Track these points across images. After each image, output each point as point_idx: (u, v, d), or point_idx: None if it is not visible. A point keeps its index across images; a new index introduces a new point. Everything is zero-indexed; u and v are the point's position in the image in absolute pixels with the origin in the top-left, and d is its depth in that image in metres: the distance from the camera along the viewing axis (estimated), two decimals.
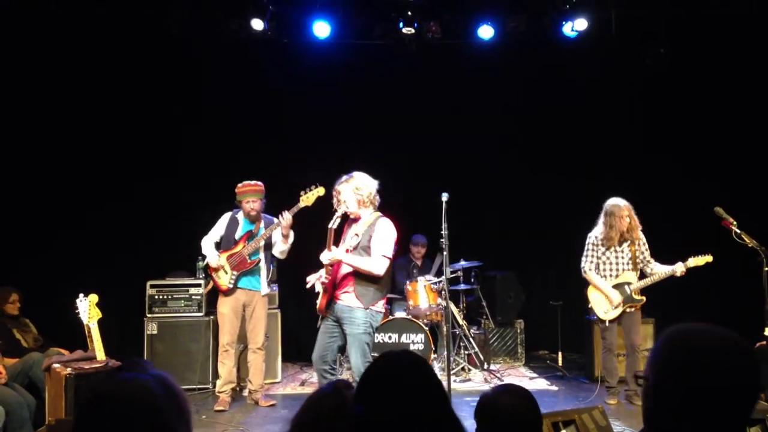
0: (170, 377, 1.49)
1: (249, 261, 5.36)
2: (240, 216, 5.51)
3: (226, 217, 5.54)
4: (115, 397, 1.40)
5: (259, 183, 5.44)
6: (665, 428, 1.32)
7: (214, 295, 5.74)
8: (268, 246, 5.45)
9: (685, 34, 6.64)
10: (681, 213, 6.58)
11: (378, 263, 4.18)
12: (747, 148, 6.72)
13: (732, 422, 1.27)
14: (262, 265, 5.45)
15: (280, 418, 5.14)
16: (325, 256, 4.20)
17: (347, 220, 4.45)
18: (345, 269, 4.26)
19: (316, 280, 4.36)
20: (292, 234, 5.32)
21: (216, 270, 5.39)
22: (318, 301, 4.33)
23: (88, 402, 1.44)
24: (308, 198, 5.07)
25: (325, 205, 4.49)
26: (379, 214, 4.36)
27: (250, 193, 5.37)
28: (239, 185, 5.42)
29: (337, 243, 4.36)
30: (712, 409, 1.25)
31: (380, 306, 4.31)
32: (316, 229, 4.97)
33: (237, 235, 5.45)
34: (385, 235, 4.24)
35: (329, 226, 4.26)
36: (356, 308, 4.19)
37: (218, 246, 5.51)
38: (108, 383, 1.45)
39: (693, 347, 1.30)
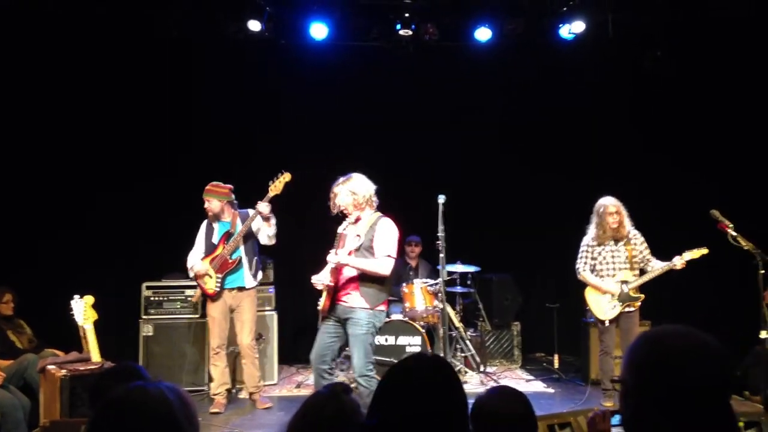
0: (179, 387, 1.51)
1: (230, 260, 5.38)
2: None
3: (203, 226, 5.57)
4: (133, 404, 1.41)
5: (224, 186, 5.43)
6: (648, 429, 1.37)
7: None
8: (247, 240, 5.46)
9: (682, 36, 6.64)
10: (680, 214, 6.56)
11: (383, 263, 4.20)
12: (746, 150, 6.71)
13: (710, 416, 1.33)
14: (244, 260, 5.45)
15: (275, 420, 5.12)
16: (331, 259, 4.19)
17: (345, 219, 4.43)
18: (349, 272, 4.23)
19: (321, 283, 4.29)
20: (273, 218, 5.33)
21: (201, 277, 5.40)
22: (321, 302, 4.29)
23: (104, 407, 1.43)
24: (276, 186, 5.17)
25: (323, 207, 4.47)
26: (380, 214, 4.37)
27: (207, 193, 5.40)
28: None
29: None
30: (690, 405, 1.32)
31: (383, 306, 4.31)
32: (313, 230, 4.96)
33: (215, 239, 5.46)
34: (387, 234, 4.25)
35: (339, 230, 4.28)
36: (360, 309, 4.18)
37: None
38: (123, 390, 1.44)
39: (665, 347, 1.38)
